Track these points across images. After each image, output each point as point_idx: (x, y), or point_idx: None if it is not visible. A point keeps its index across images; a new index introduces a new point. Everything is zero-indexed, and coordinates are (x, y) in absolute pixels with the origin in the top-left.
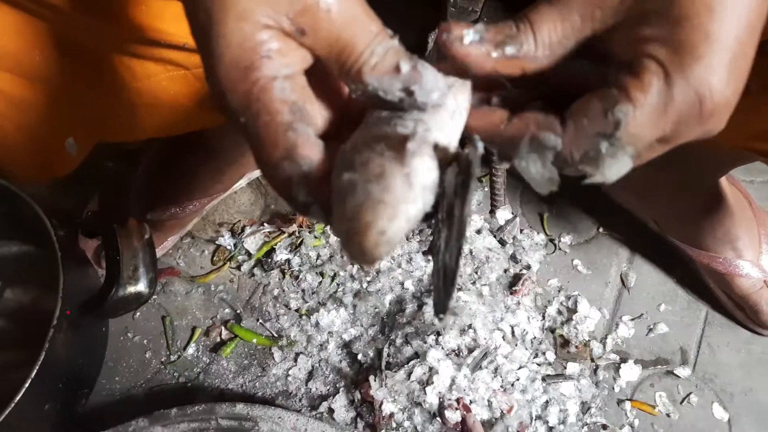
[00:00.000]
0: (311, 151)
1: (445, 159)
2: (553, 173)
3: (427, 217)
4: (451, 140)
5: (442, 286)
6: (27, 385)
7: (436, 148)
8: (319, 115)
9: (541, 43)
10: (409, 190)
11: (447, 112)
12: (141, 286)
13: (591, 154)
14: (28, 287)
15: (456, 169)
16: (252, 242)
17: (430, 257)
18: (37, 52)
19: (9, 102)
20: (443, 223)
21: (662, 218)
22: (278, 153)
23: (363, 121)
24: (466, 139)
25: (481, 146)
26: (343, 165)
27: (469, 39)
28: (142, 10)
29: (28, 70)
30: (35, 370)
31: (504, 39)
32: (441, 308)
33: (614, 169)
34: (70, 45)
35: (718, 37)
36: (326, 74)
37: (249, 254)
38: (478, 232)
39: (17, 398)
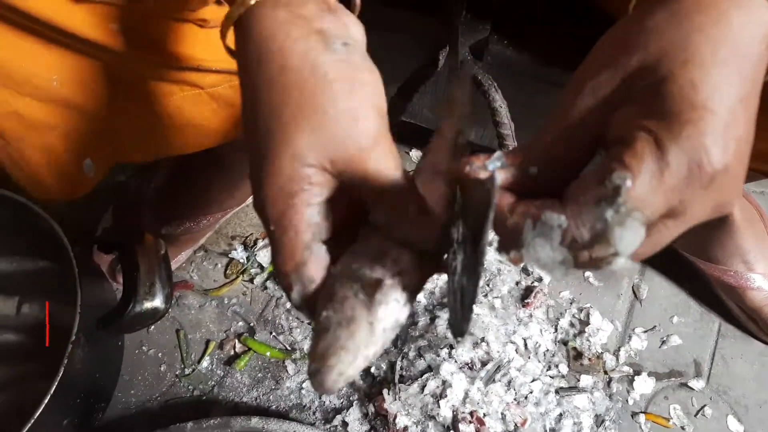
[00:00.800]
0: (315, 272)
1: (455, 181)
2: (564, 254)
3: (444, 238)
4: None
5: (460, 308)
6: (47, 400)
7: (448, 171)
8: (332, 223)
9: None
10: (371, 336)
11: None
12: (158, 302)
13: (598, 226)
14: (45, 302)
15: (475, 196)
16: (264, 255)
17: (443, 274)
18: (54, 77)
19: (28, 125)
20: (459, 245)
21: None
22: (290, 265)
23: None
24: None
25: (500, 177)
26: (328, 293)
27: (492, 166)
28: (156, 32)
29: (46, 94)
30: (54, 385)
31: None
32: (459, 331)
33: (627, 239)
34: (86, 69)
35: (705, 106)
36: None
37: (262, 267)
38: (490, 244)
39: (37, 414)
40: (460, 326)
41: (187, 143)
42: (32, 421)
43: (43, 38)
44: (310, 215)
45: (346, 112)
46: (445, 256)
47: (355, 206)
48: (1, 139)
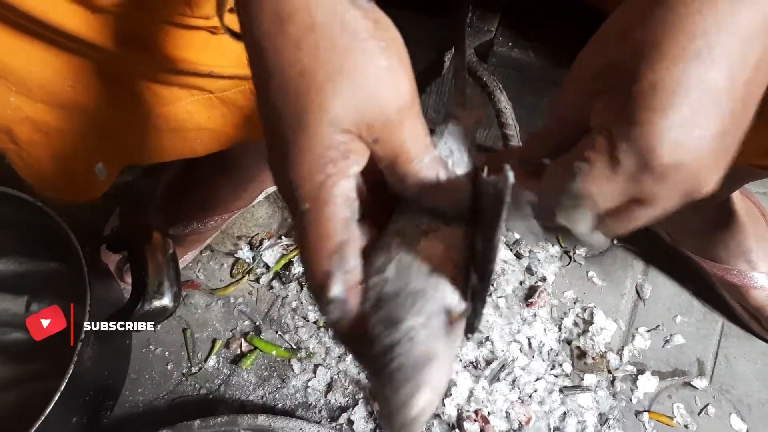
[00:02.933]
0: (355, 258)
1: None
2: (534, 228)
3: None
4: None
5: (471, 307)
6: (56, 398)
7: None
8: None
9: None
10: (452, 369)
11: None
12: (166, 300)
13: (556, 208)
14: (54, 301)
15: (488, 195)
16: (270, 255)
17: None
18: (66, 82)
19: (40, 130)
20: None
21: (675, 231)
22: (331, 245)
23: (396, 213)
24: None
25: (511, 176)
26: (384, 315)
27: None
28: (170, 40)
29: (58, 99)
30: (64, 383)
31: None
32: (470, 329)
33: (581, 223)
34: (99, 74)
35: (661, 107)
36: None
37: (267, 267)
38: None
39: (47, 411)
40: (471, 324)
41: (196, 147)
42: (42, 418)
43: (52, 44)
44: (349, 188)
45: (385, 71)
46: None
47: (377, 187)
48: (15, 144)
